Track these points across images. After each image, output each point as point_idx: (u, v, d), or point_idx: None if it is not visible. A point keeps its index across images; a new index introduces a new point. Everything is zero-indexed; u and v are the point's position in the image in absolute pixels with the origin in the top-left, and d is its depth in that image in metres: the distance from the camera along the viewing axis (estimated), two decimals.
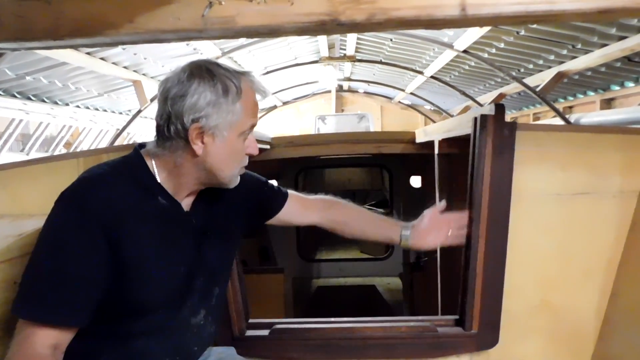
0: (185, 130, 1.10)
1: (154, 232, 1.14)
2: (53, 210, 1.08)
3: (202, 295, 1.26)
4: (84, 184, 1.11)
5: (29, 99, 4.89)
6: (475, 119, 1.70)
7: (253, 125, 1.20)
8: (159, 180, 1.16)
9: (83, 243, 1.05)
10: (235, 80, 1.13)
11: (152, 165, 1.16)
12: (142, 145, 1.21)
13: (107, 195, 1.09)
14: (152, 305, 1.15)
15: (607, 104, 5.18)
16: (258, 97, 1.19)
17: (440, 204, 1.53)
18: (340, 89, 11.95)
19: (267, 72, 8.06)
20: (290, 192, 1.53)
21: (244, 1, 1.05)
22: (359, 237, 1.58)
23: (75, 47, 1.17)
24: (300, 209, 1.52)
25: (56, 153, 6.56)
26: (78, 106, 5.82)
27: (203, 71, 1.11)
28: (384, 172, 6.11)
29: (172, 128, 1.11)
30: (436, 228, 1.51)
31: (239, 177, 1.23)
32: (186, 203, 1.23)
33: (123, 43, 1.16)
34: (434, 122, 10.27)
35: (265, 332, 1.75)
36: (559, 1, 1.04)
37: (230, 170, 1.19)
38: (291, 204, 1.50)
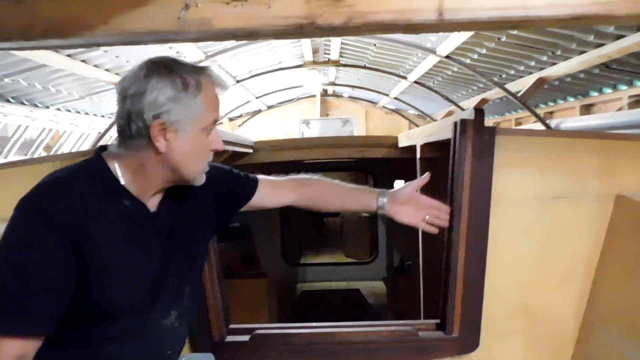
0: (147, 127, 1.08)
1: (119, 235, 1.12)
2: (12, 217, 1.05)
3: (173, 296, 1.24)
4: (43, 189, 1.08)
5: (8, 101, 4.79)
6: (455, 123, 1.71)
7: (216, 120, 1.18)
8: (122, 182, 1.14)
9: (44, 250, 1.03)
10: (194, 74, 1.11)
11: (115, 167, 1.14)
12: (103, 148, 1.19)
13: (67, 200, 1.06)
14: (121, 309, 1.13)
15: (587, 109, 5.27)
16: (218, 90, 1.18)
17: (424, 177, 1.51)
18: (325, 93, 11.97)
19: (252, 76, 8.04)
20: (261, 177, 1.52)
21: (220, 3, 1.04)
22: (337, 209, 1.59)
23: (48, 48, 1.15)
24: (272, 191, 1.51)
25: (35, 156, 6.43)
26: (59, 109, 5.72)
27: (161, 67, 1.09)
28: (368, 176, 6.12)
29: (134, 126, 1.09)
30: (415, 205, 1.49)
31: (204, 175, 1.22)
32: (152, 203, 1.21)
33: (98, 44, 1.14)
34: (418, 126, 10.35)
35: (246, 338, 1.73)
36: (535, 7, 1.05)
37: (195, 167, 1.18)
38: (263, 188, 1.49)
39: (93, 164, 1.15)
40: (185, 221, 1.27)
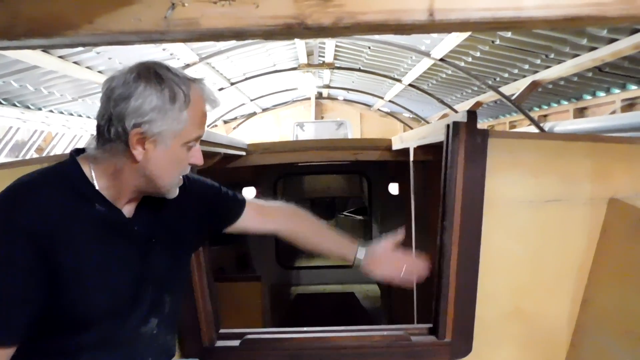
0: (126, 133, 1.05)
1: (91, 241, 1.09)
2: None
3: (152, 305, 1.21)
4: (9, 194, 1.05)
5: None
6: (448, 126, 1.70)
7: (199, 137, 1.15)
8: (96, 187, 1.11)
9: (10, 258, 1.00)
10: (185, 87, 1.08)
11: (90, 170, 1.11)
12: (80, 151, 1.16)
13: (35, 205, 1.04)
14: (94, 317, 1.10)
15: (580, 112, 5.29)
16: (208, 107, 1.14)
17: (399, 235, 1.50)
18: (319, 96, 11.97)
19: (246, 79, 8.03)
20: (248, 199, 1.49)
21: (207, 3, 1.02)
22: (314, 251, 1.55)
23: (32, 47, 1.13)
24: (258, 216, 1.48)
25: (27, 158, 6.38)
26: (51, 111, 5.67)
27: (151, 74, 1.06)
28: (363, 179, 6.11)
29: (113, 130, 1.06)
30: (391, 261, 1.47)
31: (177, 189, 1.19)
32: (128, 209, 1.18)
33: (83, 44, 1.12)
34: (412, 129, 10.36)
35: (236, 343, 1.71)
36: (526, 8, 1.04)
37: (169, 179, 1.15)
38: (249, 211, 1.46)
39: (66, 167, 1.12)
40: (164, 229, 1.24)
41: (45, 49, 3.82)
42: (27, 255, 1.00)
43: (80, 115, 6.38)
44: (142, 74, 1.06)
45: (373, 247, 1.49)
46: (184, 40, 1.13)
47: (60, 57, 4.16)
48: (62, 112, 5.92)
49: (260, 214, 1.48)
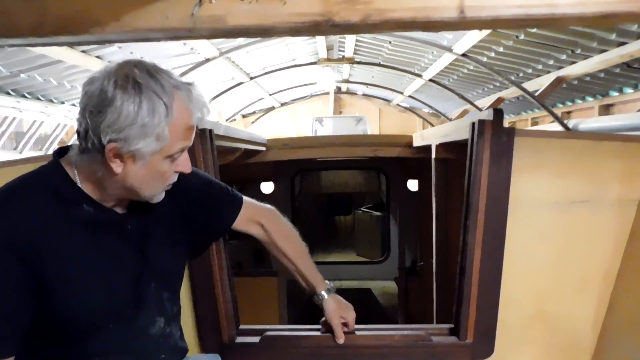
0: (102, 147, 0.99)
1: (82, 243, 1.05)
2: None
3: (156, 303, 1.18)
4: None
5: (24, 96, 4.85)
6: (473, 124, 1.67)
7: (184, 148, 1.08)
8: (82, 188, 1.07)
9: None
10: (166, 98, 0.99)
11: (74, 173, 1.07)
12: (64, 151, 1.12)
13: (16, 215, 1.00)
14: (95, 322, 1.07)
15: (606, 109, 5.17)
16: (196, 116, 1.05)
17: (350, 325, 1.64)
18: (338, 91, 11.93)
19: (265, 73, 8.03)
20: (245, 199, 1.47)
21: (234, 0, 1.02)
22: (285, 268, 1.58)
23: (60, 44, 1.14)
24: (245, 216, 1.46)
25: (50, 152, 6.50)
26: (74, 104, 5.77)
27: (129, 83, 0.97)
28: (381, 175, 6.08)
29: (89, 141, 1.00)
30: (342, 314, 1.61)
31: (163, 193, 1.14)
32: (120, 207, 1.14)
33: (109, 41, 1.12)
34: (432, 125, 10.26)
35: (256, 339, 1.71)
36: (560, 5, 1.01)
37: (152, 190, 1.10)
38: (242, 211, 1.44)
39: (49, 171, 1.08)
40: (159, 225, 1.20)
41: (73, 45, 3.88)
42: (10, 266, 0.97)
43: None
44: (120, 82, 0.98)
45: (337, 299, 1.60)
46: (210, 37, 1.13)
47: (83, 51, 4.22)
48: None
49: (248, 214, 1.46)
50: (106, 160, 1.01)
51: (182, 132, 1.04)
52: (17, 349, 1.02)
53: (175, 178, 1.12)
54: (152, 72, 1.00)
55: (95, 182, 1.07)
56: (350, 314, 1.62)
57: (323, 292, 1.57)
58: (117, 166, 1.02)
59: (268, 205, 1.54)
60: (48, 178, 1.07)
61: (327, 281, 1.61)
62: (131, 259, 1.14)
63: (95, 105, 0.98)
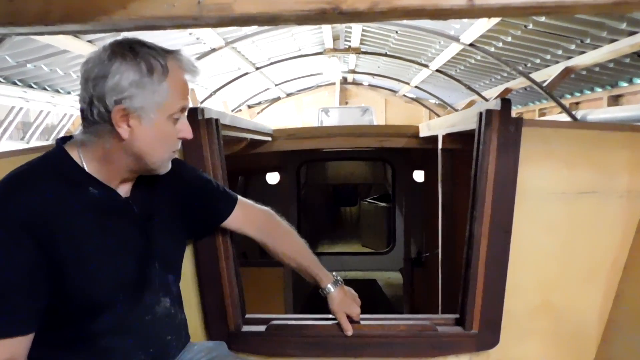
0: (108, 112, 1.04)
1: (89, 225, 1.09)
2: None
3: (161, 283, 1.22)
4: (1, 188, 1.06)
5: (30, 86, 4.86)
6: (481, 114, 1.66)
7: (184, 108, 1.14)
8: (87, 170, 1.11)
9: (8, 253, 1.01)
10: (161, 59, 1.07)
11: (80, 155, 1.11)
12: (66, 139, 1.16)
13: (27, 197, 1.04)
14: (104, 300, 1.11)
15: (615, 100, 5.11)
16: (188, 77, 1.13)
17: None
18: (344, 81, 11.88)
19: (271, 63, 8.00)
20: (240, 198, 1.49)
21: None
22: (289, 266, 1.60)
23: (66, 33, 1.14)
24: (241, 217, 1.48)
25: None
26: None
27: (125, 50, 1.05)
28: (387, 166, 6.07)
29: (95, 111, 1.05)
30: (348, 306, 1.61)
31: (170, 163, 1.19)
32: (124, 190, 1.18)
33: (116, 30, 1.12)
34: (439, 116, 10.21)
35: (262, 328, 1.72)
36: None
37: (159, 155, 1.14)
38: (237, 211, 1.46)
39: (54, 155, 1.12)
40: (162, 207, 1.24)
41: (79, 34, 3.88)
42: (25, 248, 1.01)
43: None
44: (116, 50, 1.05)
45: (345, 289, 1.61)
46: (217, 26, 1.12)
47: (89, 41, 4.22)
48: None
49: (244, 214, 1.48)
50: (114, 128, 1.06)
51: (180, 88, 1.11)
52: (36, 325, 1.05)
53: (179, 145, 1.18)
54: (143, 41, 1.09)
55: (102, 159, 1.11)
56: (355, 309, 1.62)
57: (329, 286, 1.58)
58: (124, 131, 1.07)
59: (265, 207, 1.56)
60: (54, 162, 1.11)
61: (333, 273, 1.61)
62: (136, 240, 1.17)
63: (97, 74, 1.05)
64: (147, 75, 1.05)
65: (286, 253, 1.55)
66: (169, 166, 1.19)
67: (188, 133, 1.16)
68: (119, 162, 1.12)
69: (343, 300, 1.60)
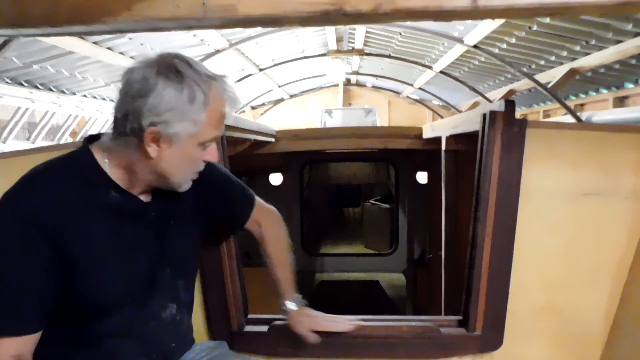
0: (141, 130, 1.04)
1: (106, 228, 1.10)
2: None
3: (170, 289, 1.22)
4: (21, 185, 1.06)
5: (36, 87, 4.89)
6: (484, 115, 1.66)
7: (216, 138, 1.13)
8: (110, 175, 1.11)
9: (22, 249, 1.02)
10: (205, 86, 1.05)
11: (104, 159, 1.11)
12: (94, 137, 1.16)
13: (46, 196, 1.04)
14: (112, 303, 1.11)
15: (620, 102, 5.09)
16: (228, 108, 1.12)
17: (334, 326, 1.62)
18: (347, 82, 11.88)
19: (275, 65, 8.02)
20: (256, 199, 1.50)
21: None
22: (266, 269, 1.60)
23: (72, 34, 1.15)
24: (253, 217, 1.49)
25: (62, 142, 6.57)
26: (85, 95, 5.81)
27: (171, 71, 1.03)
28: (390, 167, 6.06)
29: (129, 125, 1.05)
30: (312, 321, 1.59)
31: (190, 182, 1.19)
32: (145, 195, 1.18)
33: (121, 31, 1.13)
34: (442, 117, 10.19)
35: (264, 328, 1.72)
36: None
37: (182, 176, 1.15)
38: (254, 212, 1.48)
39: (79, 156, 1.12)
40: (181, 211, 1.24)
41: (85, 35, 3.90)
42: (37, 248, 1.01)
43: (112, 100, 6.48)
44: (162, 70, 1.03)
45: (306, 309, 1.60)
46: (221, 27, 1.13)
47: (94, 42, 4.24)
48: (95, 97, 6.06)
49: (255, 214, 1.49)
50: (142, 144, 1.06)
51: (217, 120, 1.10)
52: (44, 324, 1.06)
53: (202, 167, 1.18)
54: (190, 63, 1.07)
55: (126, 168, 1.12)
56: (319, 325, 1.61)
57: (288, 303, 1.58)
58: (153, 150, 1.07)
59: (272, 208, 1.57)
60: (77, 163, 1.11)
61: (297, 294, 1.61)
62: (150, 245, 1.17)
63: (138, 91, 1.03)
64: (187, 103, 1.04)
65: (271, 258, 1.56)
66: (189, 185, 1.19)
67: (214, 157, 1.16)
68: (142, 174, 1.12)
69: (306, 318, 1.60)
